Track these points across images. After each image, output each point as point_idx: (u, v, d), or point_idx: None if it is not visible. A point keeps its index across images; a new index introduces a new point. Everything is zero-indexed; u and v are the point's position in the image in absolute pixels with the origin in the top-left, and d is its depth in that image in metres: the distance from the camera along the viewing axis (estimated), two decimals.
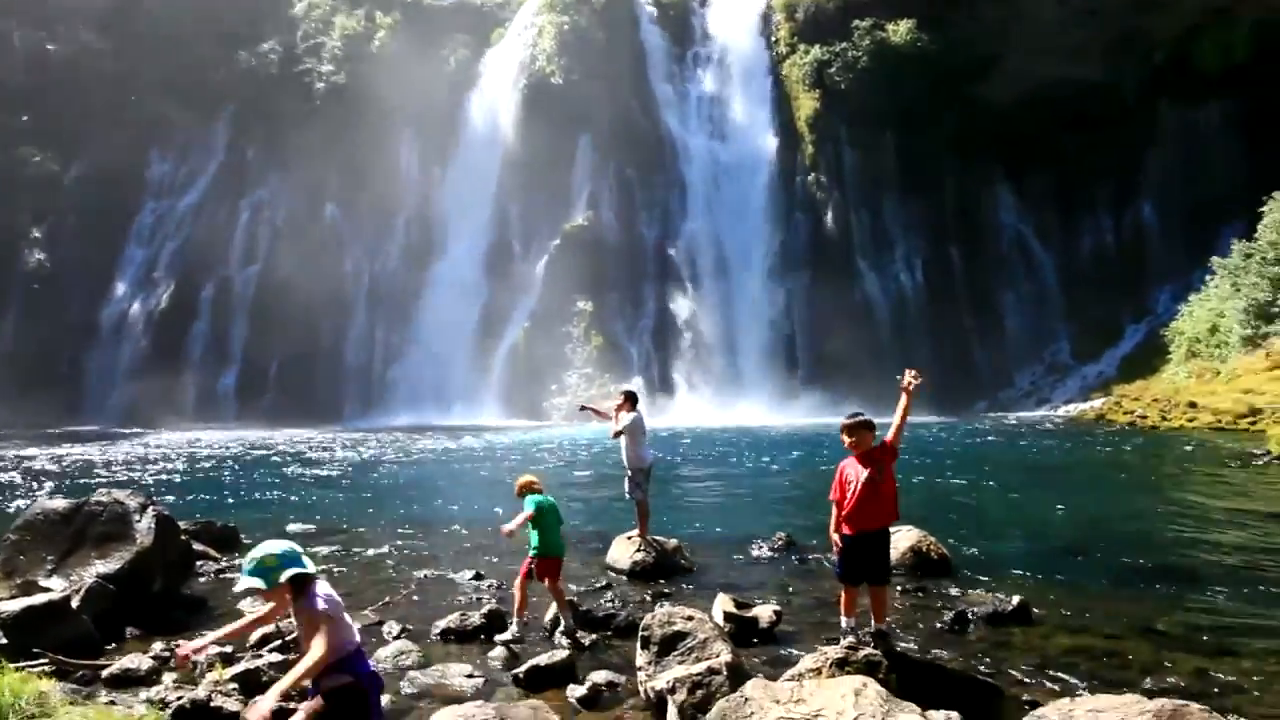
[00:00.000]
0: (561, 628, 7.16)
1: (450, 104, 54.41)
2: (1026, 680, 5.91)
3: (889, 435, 5.94)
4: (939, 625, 7.24)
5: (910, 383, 5.86)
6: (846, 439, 5.93)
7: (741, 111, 54.27)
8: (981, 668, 6.13)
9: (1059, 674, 6.02)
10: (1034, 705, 5.16)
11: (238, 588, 3.73)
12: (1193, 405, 30.69)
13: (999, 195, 51.15)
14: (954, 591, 8.40)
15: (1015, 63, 49.73)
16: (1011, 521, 12.27)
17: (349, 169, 52.48)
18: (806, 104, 52.60)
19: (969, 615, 7.37)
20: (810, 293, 48.40)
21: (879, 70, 50.40)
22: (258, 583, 3.57)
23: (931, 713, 4.29)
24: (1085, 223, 49.91)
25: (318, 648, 3.39)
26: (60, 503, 8.93)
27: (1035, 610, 7.51)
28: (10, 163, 51.55)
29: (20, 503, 15.64)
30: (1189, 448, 23.12)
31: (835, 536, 6.02)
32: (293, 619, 3.85)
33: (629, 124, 51.86)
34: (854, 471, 5.84)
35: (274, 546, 3.63)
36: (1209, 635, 6.87)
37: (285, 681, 3.42)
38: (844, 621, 5.90)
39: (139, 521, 8.39)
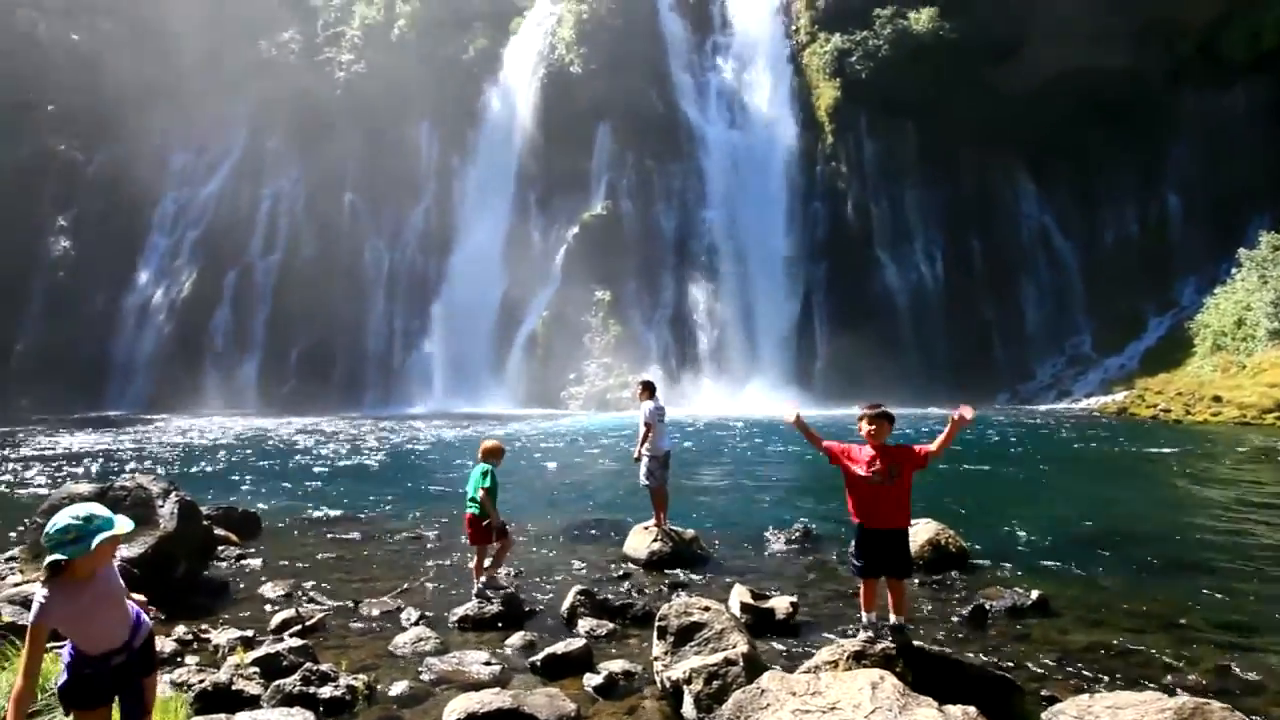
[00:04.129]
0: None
1: (469, 93, 54.44)
2: (1045, 675, 5.88)
3: (932, 447, 5.70)
4: (957, 618, 7.21)
5: (964, 416, 5.59)
6: (866, 427, 5.76)
7: (761, 100, 53.94)
8: (999, 662, 6.10)
9: (1078, 669, 5.99)
10: (1052, 700, 5.13)
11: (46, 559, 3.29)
12: (1217, 399, 30.32)
13: (1020, 185, 50.62)
14: (972, 584, 8.37)
15: (1038, 50, 49.08)
16: (1031, 515, 12.18)
17: (369, 158, 52.67)
18: (826, 93, 52.19)
19: (987, 609, 7.35)
20: (829, 282, 48.15)
21: (900, 59, 49.90)
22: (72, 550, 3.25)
23: (949, 707, 4.27)
24: (1108, 213, 49.30)
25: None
26: (85, 487, 9.04)
27: (1054, 604, 7.47)
28: (35, 152, 52.14)
29: (47, 487, 15.88)
30: (1213, 442, 22.86)
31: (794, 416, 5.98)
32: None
33: (648, 113, 51.68)
34: (865, 463, 5.69)
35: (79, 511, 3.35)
36: (1232, 632, 6.80)
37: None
38: (864, 616, 5.86)
39: (162, 507, 8.49)
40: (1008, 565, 9.16)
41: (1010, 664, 6.06)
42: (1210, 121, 46.93)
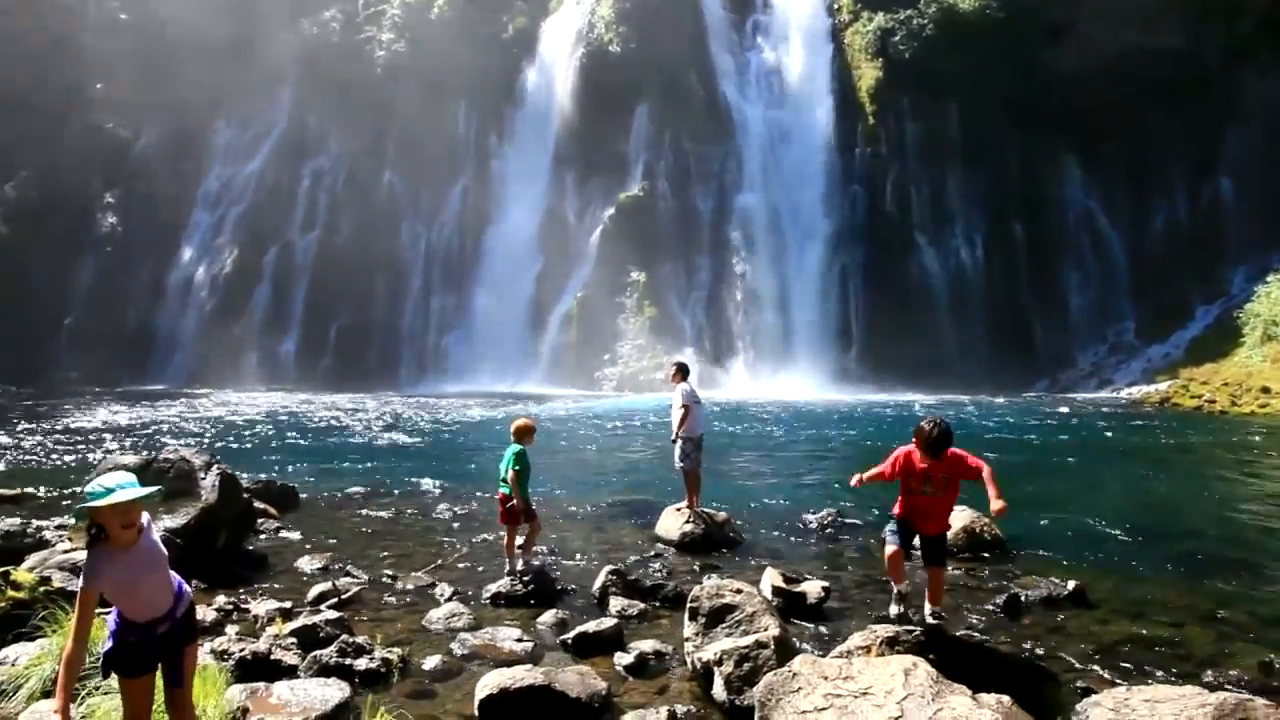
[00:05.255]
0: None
1: (508, 72, 54.38)
2: (1081, 667, 5.80)
3: (985, 472, 5.70)
4: (991, 607, 7.13)
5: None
6: (922, 445, 5.70)
7: (801, 81, 53.21)
8: (1035, 652, 6.03)
9: (1115, 662, 5.90)
10: (1088, 692, 5.07)
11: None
12: (1266, 390, 29.60)
13: (1066, 169, 49.47)
14: (1007, 574, 8.27)
15: (1088, 30, 47.79)
16: (1068, 504, 11.99)
17: (407, 137, 52.91)
18: (868, 74, 51.38)
19: (1022, 598, 7.26)
20: (866, 267, 47.57)
21: (945, 39, 48.90)
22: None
23: (982, 695, 4.23)
24: (1158, 199, 48.06)
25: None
26: (131, 459, 9.26)
27: (1091, 595, 7.36)
28: (85, 130, 53.12)
29: (94, 458, 16.29)
30: (1260, 434, 22.31)
31: (857, 478, 6.04)
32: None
33: (686, 93, 51.28)
34: (920, 477, 5.71)
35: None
36: (1275, 628, 6.65)
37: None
38: (895, 588, 5.84)
39: (204, 479, 8.67)
40: (1044, 555, 9.04)
41: (1044, 655, 5.99)
42: (1271, 104, 45.42)
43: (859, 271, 47.61)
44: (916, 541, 6.08)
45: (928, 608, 6.03)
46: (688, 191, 50.31)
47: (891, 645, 5.09)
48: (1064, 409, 31.06)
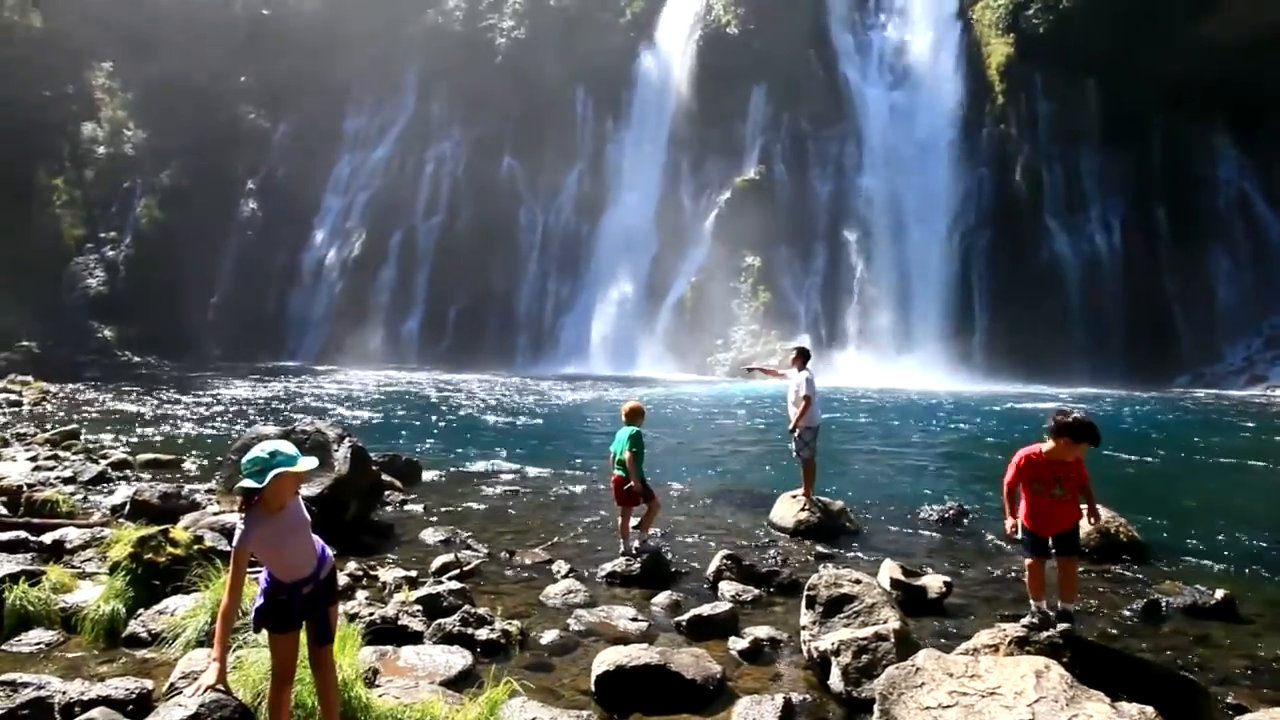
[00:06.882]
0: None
1: (625, 57, 54.62)
2: (1230, 682, 5.40)
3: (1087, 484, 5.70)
4: (1127, 613, 6.74)
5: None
6: (1052, 443, 5.50)
7: (925, 60, 51.25)
8: (1177, 663, 5.66)
9: (1270, 680, 5.46)
10: (1240, 710, 4.73)
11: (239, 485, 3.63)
12: None
13: (1218, 148, 45.83)
14: (1145, 578, 7.79)
15: None
16: (1214, 508, 11.18)
17: (526, 123, 53.96)
18: (998, 50, 49.00)
19: (1162, 605, 6.82)
20: (992, 252, 45.50)
21: (1084, 10, 46.05)
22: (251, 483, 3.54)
23: (1122, 704, 3.99)
24: None
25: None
26: (271, 429, 9.82)
27: (1242, 607, 6.82)
28: (229, 120, 56.59)
29: (236, 428, 17.40)
30: None
31: (1011, 522, 5.77)
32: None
33: (805, 74, 50.26)
34: (1045, 481, 5.49)
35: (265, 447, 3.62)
36: None
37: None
38: (1033, 604, 5.62)
39: (337, 451, 9.08)
40: (1187, 561, 8.47)
41: (1188, 666, 5.61)
42: None
43: (984, 257, 45.63)
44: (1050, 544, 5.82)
45: (1060, 604, 5.76)
46: (805, 175, 49.40)
47: (1021, 645, 4.87)
48: (1209, 406, 29.02)
